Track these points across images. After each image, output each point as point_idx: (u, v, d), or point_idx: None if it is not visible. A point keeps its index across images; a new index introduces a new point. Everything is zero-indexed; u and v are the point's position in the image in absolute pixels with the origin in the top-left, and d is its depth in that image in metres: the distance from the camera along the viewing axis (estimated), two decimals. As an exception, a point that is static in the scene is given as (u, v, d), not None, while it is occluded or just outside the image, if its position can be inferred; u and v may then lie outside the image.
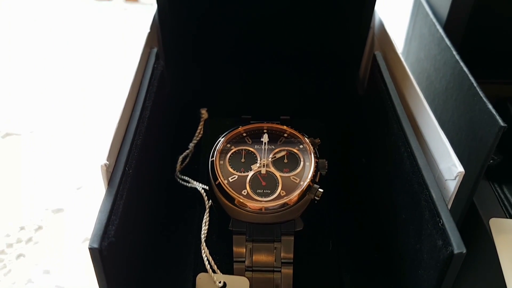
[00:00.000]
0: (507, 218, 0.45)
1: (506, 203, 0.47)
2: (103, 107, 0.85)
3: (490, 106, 0.41)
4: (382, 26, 0.55)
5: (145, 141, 0.42)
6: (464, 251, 0.33)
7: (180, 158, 0.54)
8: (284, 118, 0.50)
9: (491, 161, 0.50)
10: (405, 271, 0.41)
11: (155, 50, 0.52)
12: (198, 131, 0.56)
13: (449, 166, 0.38)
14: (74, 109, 0.84)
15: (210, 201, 0.47)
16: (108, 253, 0.32)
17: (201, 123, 0.56)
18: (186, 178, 0.51)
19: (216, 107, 0.57)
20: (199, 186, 0.50)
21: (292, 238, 0.43)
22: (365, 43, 0.58)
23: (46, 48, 0.99)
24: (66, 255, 0.60)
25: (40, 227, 0.63)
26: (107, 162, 0.36)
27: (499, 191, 0.48)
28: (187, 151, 0.55)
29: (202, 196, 0.49)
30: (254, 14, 0.56)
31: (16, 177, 0.70)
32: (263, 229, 0.43)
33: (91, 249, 0.32)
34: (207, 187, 0.48)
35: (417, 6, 0.63)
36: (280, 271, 0.43)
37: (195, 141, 0.56)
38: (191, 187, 0.51)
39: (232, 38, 0.58)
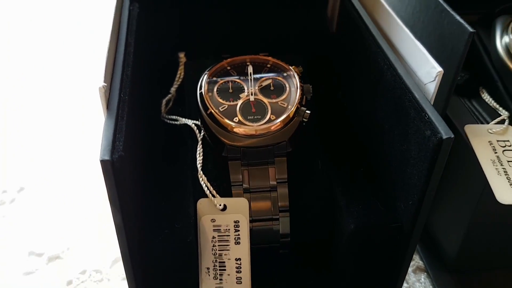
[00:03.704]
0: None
1: (476, 113, 0.51)
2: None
3: (458, 17, 0.44)
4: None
5: (134, 73, 0.43)
6: (452, 136, 0.35)
7: (164, 101, 0.54)
8: (263, 55, 0.51)
9: (459, 78, 0.53)
10: (393, 174, 0.44)
11: (129, -7, 0.52)
12: (178, 75, 0.57)
13: (428, 70, 0.41)
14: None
15: (202, 133, 0.47)
16: (120, 165, 0.33)
17: (181, 67, 0.57)
18: (174, 117, 0.52)
19: (195, 50, 0.57)
20: (190, 122, 0.50)
21: (285, 158, 0.45)
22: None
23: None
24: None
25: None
26: (105, 84, 0.36)
27: (469, 104, 0.52)
28: (169, 95, 0.55)
29: (193, 131, 0.49)
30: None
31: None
32: (257, 153, 0.44)
33: (103, 162, 0.32)
34: (197, 122, 0.49)
35: None
36: (276, 190, 0.45)
37: (176, 85, 0.56)
38: (179, 126, 0.51)
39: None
